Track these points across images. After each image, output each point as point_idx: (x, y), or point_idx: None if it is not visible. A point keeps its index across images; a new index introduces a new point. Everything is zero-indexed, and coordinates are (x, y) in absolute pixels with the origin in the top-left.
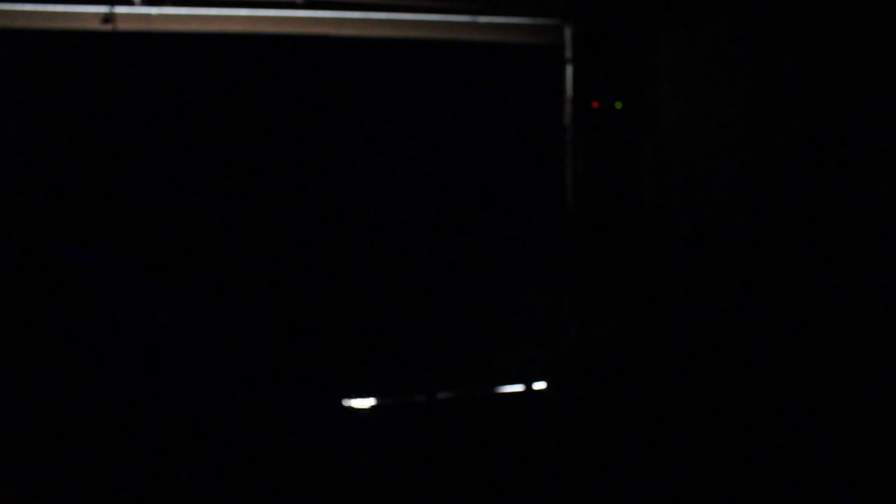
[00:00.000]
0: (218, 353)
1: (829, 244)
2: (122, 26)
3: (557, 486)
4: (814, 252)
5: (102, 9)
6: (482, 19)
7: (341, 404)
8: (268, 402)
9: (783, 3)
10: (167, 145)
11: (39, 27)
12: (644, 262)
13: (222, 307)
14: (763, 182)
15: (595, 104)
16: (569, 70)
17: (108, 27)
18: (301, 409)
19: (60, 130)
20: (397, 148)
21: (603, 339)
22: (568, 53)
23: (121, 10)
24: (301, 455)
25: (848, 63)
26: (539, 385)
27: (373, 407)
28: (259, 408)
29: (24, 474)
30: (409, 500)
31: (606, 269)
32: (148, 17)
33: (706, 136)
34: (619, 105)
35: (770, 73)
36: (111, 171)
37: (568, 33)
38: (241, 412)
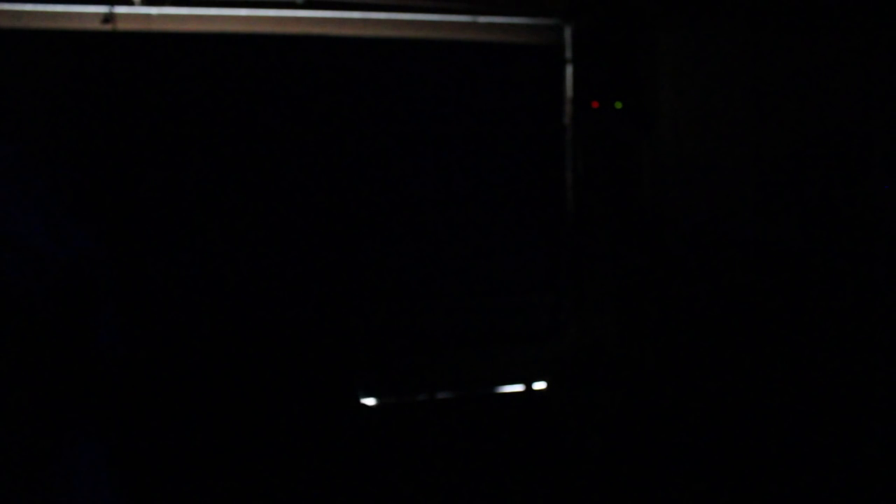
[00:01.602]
0: (217, 352)
1: (830, 244)
2: (122, 26)
3: (557, 486)
4: (814, 252)
5: (102, 9)
6: (482, 19)
7: (340, 404)
8: (267, 402)
9: (783, 3)
10: (167, 145)
11: (39, 27)
12: (644, 263)
13: (221, 307)
14: (763, 182)
15: (595, 104)
16: (569, 70)
17: (108, 27)
18: (299, 409)
19: (59, 130)
20: (397, 147)
21: (603, 339)
22: (568, 53)
23: (121, 10)
24: (300, 455)
25: (848, 63)
26: (539, 385)
27: (372, 407)
28: (258, 407)
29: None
30: (408, 499)
31: (606, 269)
32: (148, 17)
33: (706, 137)
34: (619, 105)
35: (770, 73)
36: (110, 170)
37: (568, 33)
38: (240, 411)
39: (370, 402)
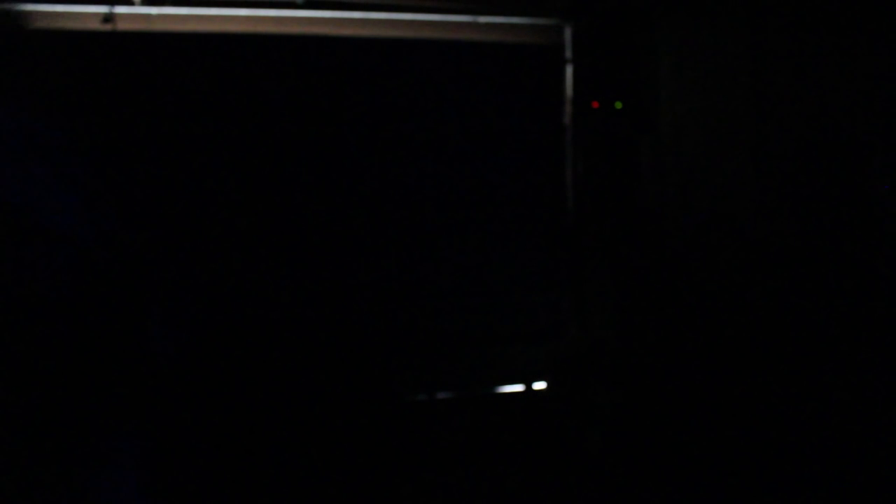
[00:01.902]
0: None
1: (830, 244)
2: (122, 26)
3: (557, 485)
4: (814, 252)
5: (102, 9)
6: (482, 19)
7: (337, 405)
8: (268, 403)
9: (783, 2)
10: (166, 145)
11: (39, 27)
12: (644, 262)
13: (195, 308)
14: (763, 182)
15: (595, 104)
16: (569, 70)
17: (108, 27)
18: (297, 410)
19: (60, 130)
20: (397, 148)
21: (603, 339)
22: (568, 53)
23: (121, 10)
24: (297, 455)
25: (848, 63)
26: (539, 385)
27: (373, 406)
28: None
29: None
30: (409, 499)
31: (606, 269)
32: (148, 17)
33: (706, 136)
34: (619, 105)
35: (770, 73)
36: (110, 170)
37: (568, 33)
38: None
39: (371, 401)
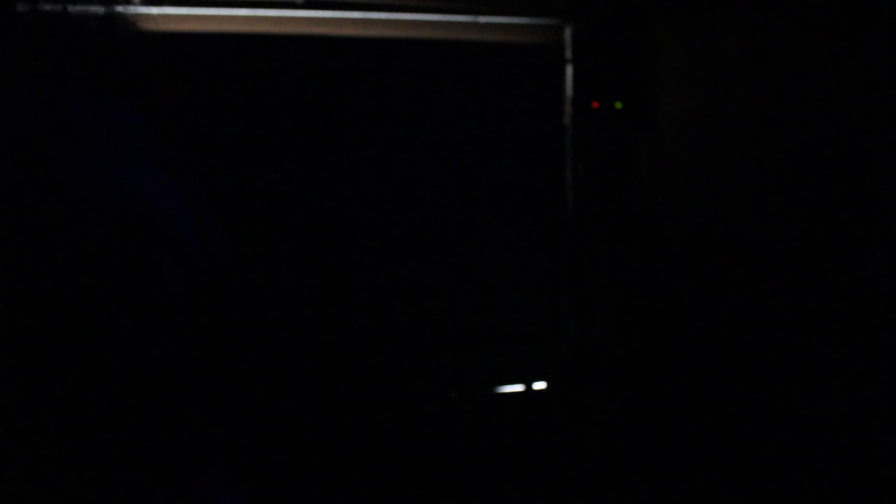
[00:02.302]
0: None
1: (830, 244)
2: None
3: (557, 486)
4: (814, 252)
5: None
6: (482, 19)
7: (333, 405)
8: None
9: (783, 2)
10: (166, 144)
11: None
12: (644, 263)
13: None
14: (763, 182)
15: (595, 104)
16: (569, 70)
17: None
18: (298, 410)
19: None
20: (397, 148)
21: (603, 339)
22: (568, 53)
23: (121, 10)
24: (289, 455)
25: (848, 63)
26: (539, 385)
27: (373, 406)
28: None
29: None
30: (408, 499)
31: (606, 269)
32: (148, 17)
33: (706, 136)
34: (619, 105)
35: (770, 73)
36: None
37: (568, 33)
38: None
39: (368, 402)
